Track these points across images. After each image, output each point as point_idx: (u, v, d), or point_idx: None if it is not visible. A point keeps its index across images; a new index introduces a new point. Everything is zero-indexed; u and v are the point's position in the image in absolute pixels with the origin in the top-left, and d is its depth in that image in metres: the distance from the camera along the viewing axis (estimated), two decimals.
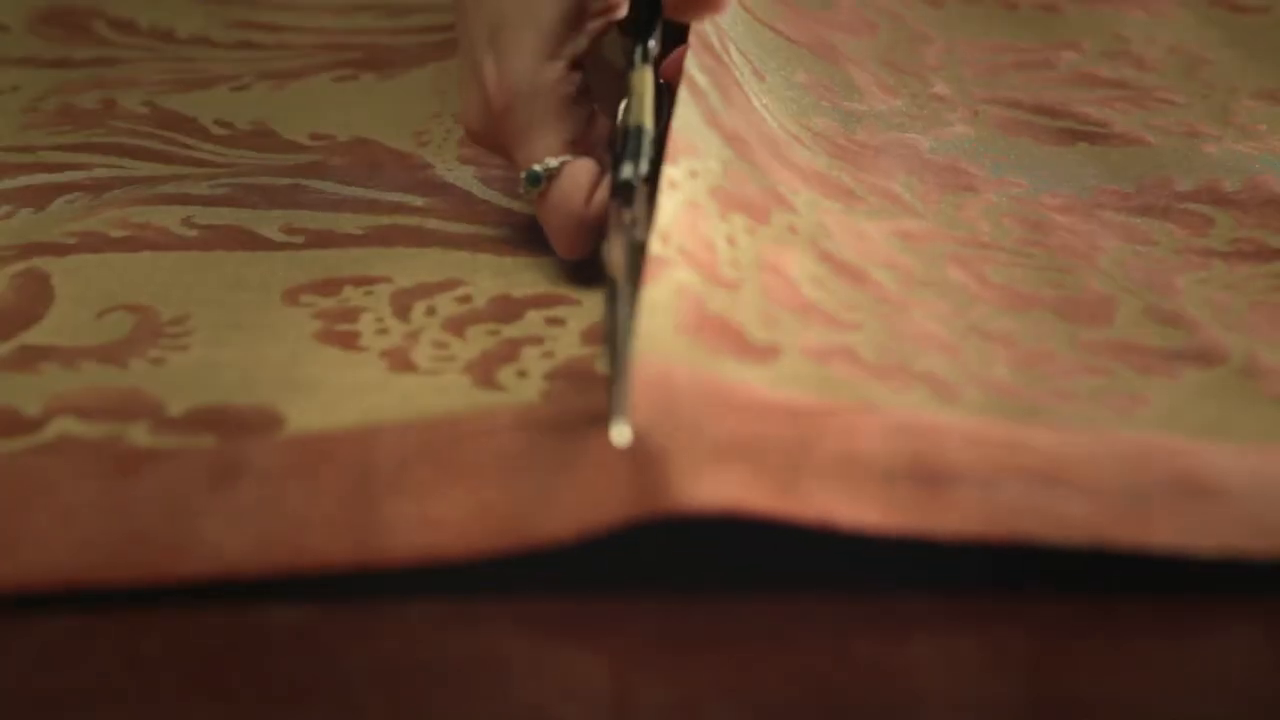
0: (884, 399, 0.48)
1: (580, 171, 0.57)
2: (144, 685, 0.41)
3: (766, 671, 0.41)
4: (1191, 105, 0.72)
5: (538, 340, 0.55)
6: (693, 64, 0.59)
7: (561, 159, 0.57)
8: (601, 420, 0.45)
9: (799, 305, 0.52)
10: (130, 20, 0.81)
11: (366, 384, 0.52)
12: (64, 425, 0.50)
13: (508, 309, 0.56)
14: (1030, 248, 0.60)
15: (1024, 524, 0.43)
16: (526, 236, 0.60)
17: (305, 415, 0.50)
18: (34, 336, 0.55)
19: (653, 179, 0.53)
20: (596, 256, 0.51)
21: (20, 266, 0.59)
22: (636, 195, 0.51)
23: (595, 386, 0.51)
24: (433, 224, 0.62)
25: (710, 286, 0.51)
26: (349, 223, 0.62)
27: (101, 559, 0.43)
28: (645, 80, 0.56)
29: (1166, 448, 0.47)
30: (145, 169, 0.66)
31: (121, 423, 0.50)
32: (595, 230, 0.56)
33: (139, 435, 0.50)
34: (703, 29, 0.61)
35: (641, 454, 0.44)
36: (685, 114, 0.57)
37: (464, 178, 0.65)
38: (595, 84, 0.58)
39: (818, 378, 0.49)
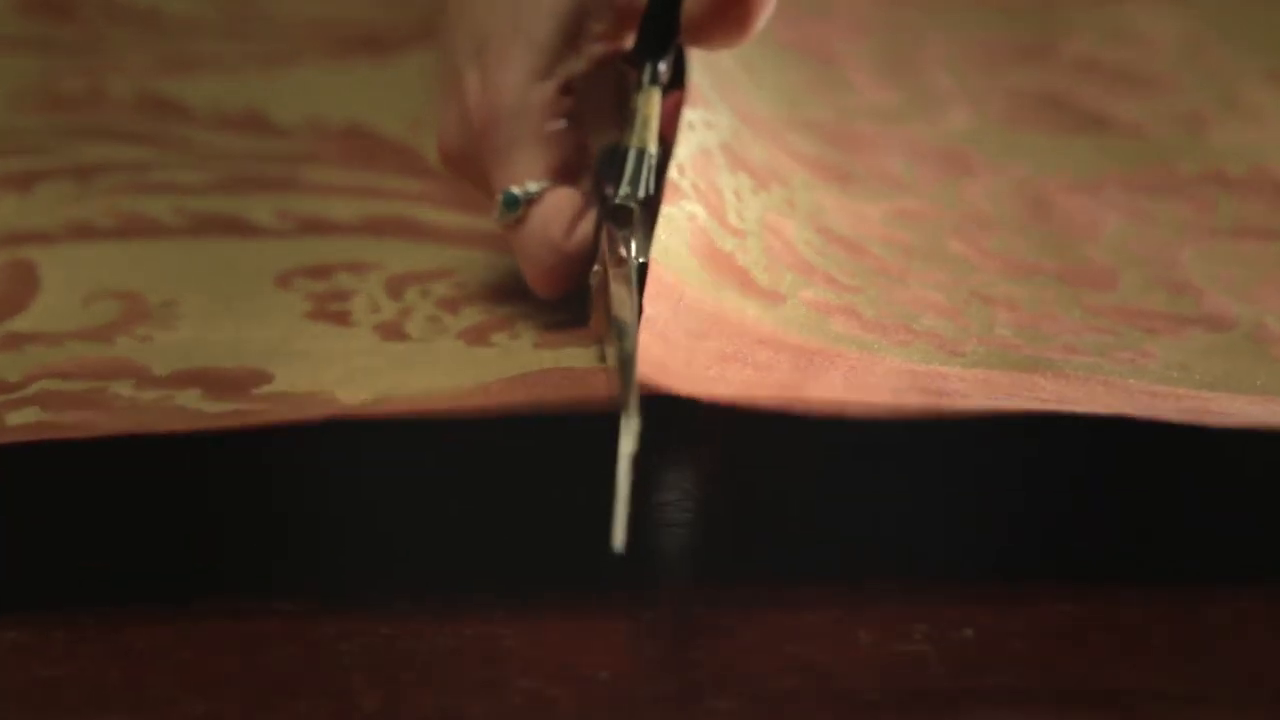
0: (886, 351, 0.48)
1: (563, 200, 0.52)
2: (133, 678, 0.40)
3: (767, 661, 0.41)
4: (1195, 91, 0.72)
5: (531, 315, 0.54)
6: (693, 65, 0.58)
7: (543, 184, 0.52)
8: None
9: (800, 265, 0.52)
10: (117, 2, 0.81)
11: (356, 350, 0.52)
12: (44, 384, 0.50)
13: (502, 293, 0.56)
14: (1031, 224, 0.59)
15: (1033, 404, 0.43)
16: None
17: (293, 375, 0.50)
18: (20, 324, 0.54)
19: (651, 207, 0.50)
20: (574, 295, 0.50)
21: (6, 255, 0.58)
22: (634, 220, 0.49)
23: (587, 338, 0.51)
24: (427, 213, 0.61)
25: (719, 228, 0.51)
26: (342, 210, 0.61)
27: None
28: (653, 102, 0.52)
29: (1174, 393, 0.46)
30: (134, 155, 0.66)
31: (104, 381, 0.50)
32: (574, 267, 0.51)
33: (122, 389, 0.49)
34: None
35: (650, 344, 0.43)
36: (699, 79, 0.56)
37: None
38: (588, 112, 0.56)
39: (820, 327, 0.49)
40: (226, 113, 0.70)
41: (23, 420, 0.47)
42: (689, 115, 0.54)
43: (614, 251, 0.48)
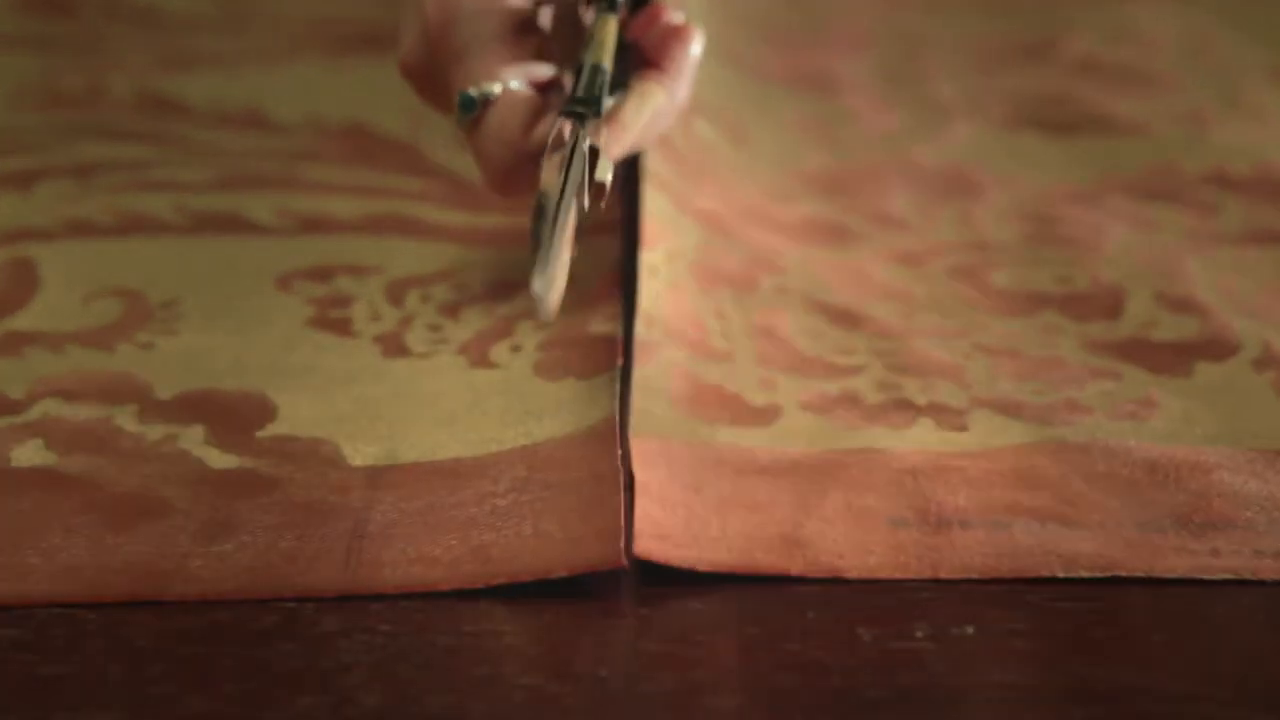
0: (888, 442, 0.48)
1: (520, 101, 0.51)
2: (133, 674, 0.40)
3: (769, 658, 0.41)
4: (1197, 90, 0.72)
5: (531, 315, 0.54)
6: (655, 162, 0.60)
7: (500, 84, 0.51)
8: (602, 479, 0.45)
9: (795, 362, 0.52)
10: (117, 0, 0.81)
11: (358, 370, 0.52)
12: (48, 407, 0.50)
13: (502, 291, 0.56)
14: (1035, 244, 0.60)
15: (1034, 563, 0.44)
16: (524, 226, 0.60)
17: (296, 406, 0.50)
18: (20, 322, 0.54)
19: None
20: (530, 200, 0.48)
21: (7, 252, 0.58)
22: (587, 123, 0.49)
23: (590, 351, 0.51)
24: (427, 211, 0.61)
25: (702, 360, 0.52)
26: (341, 208, 0.61)
27: (83, 587, 0.43)
28: (609, 28, 0.53)
29: (1178, 467, 0.47)
30: (133, 153, 0.66)
31: (108, 406, 0.50)
32: (531, 167, 0.50)
33: (126, 420, 0.49)
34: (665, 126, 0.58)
35: (638, 508, 0.44)
36: (654, 202, 0.57)
37: (459, 163, 0.65)
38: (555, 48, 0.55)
39: (818, 430, 0.49)
40: (226, 110, 0.69)
41: (29, 459, 0.47)
42: (647, 258, 0.55)
43: (556, 139, 0.48)
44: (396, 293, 0.56)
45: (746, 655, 0.41)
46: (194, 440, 0.48)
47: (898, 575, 0.43)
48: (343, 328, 0.54)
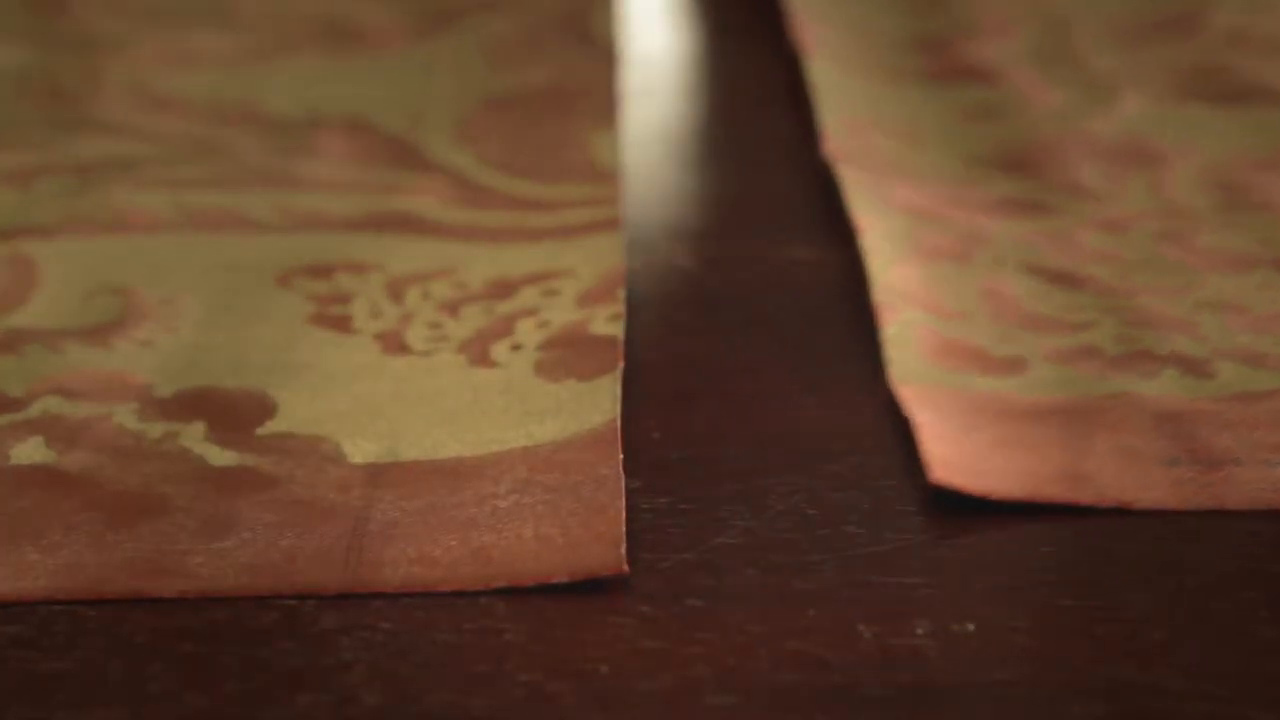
0: (1140, 388, 0.50)
1: None
2: (133, 672, 0.40)
3: (767, 655, 0.41)
4: None
5: (532, 311, 0.54)
6: (848, 171, 0.62)
7: None
8: (604, 483, 0.45)
9: (1028, 320, 0.54)
10: None
11: (358, 368, 0.52)
12: (47, 404, 0.50)
13: (502, 289, 0.56)
14: (1231, 211, 0.60)
15: None
16: (524, 224, 0.60)
17: (296, 403, 0.50)
18: (19, 319, 0.54)
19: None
20: None
21: (5, 249, 0.58)
22: None
23: (591, 352, 0.51)
24: (426, 208, 0.61)
25: (940, 319, 0.53)
26: (341, 205, 0.61)
27: (83, 584, 0.43)
28: None
29: None
30: (132, 149, 0.65)
31: (108, 404, 0.50)
32: None
33: (126, 418, 0.49)
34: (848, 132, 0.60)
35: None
36: (858, 199, 0.59)
37: (459, 160, 0.65)
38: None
39: (1067, 379, 0.50)
40: (225, 107, 0.69)
41: (29, 457, 0.47)
42: (866, 241, 0.57)
43: None
44: (397, 290, 0.56)
45: (747, 652, 0.41)
46: (194, 438, 0.48)
47: (1183, 507, 0.45)
48: (343, 325, 0.54)
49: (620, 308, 0.54)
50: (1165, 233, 0.59)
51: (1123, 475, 0.46)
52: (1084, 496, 0.45)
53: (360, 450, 0.48)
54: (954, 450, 0.46)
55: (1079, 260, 0.57)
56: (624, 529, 0.44)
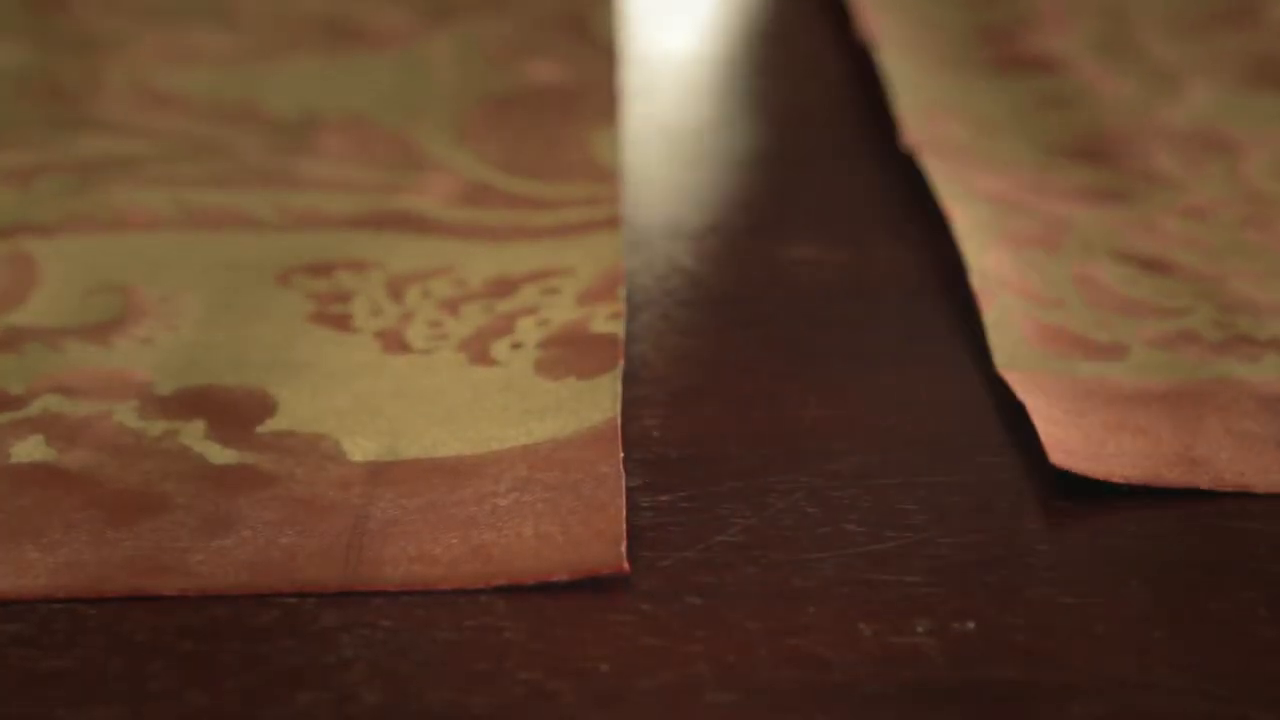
0: (1244, 372, 0.50)
1: None
2: (133, 670, 0.40)
3: (767, 654, 0.41)
4: None
5: (532, 310, 0.54)
6: (930, 160, 0.62)
7: None
8: (604, 481, 0.45)
9: (1124, 306, 0.54)
10: None
11: (358, 366, 0.52)
12: (47, 402, 0.50)
13: (502, 287, 0.56)
14: None
15: None
16: (524, 223, 0.60)
17: (296, 401, 0.50)
18: (19, 317, 0.54)
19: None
20: None
21: (5, 247, 0.58)
22: None
23: (591, 350, 0.51)
24: (426, 206, 0.61)
25: (1037, 306, 0.53)
26: (340, 203, 0.61)
27: (83, 582, 0.43)
28: None
29: None
30: (132, 148, 0.65)
31: (108, 402, 0.50)
32: None
33: (126, 416, 0.49)
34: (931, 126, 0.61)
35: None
36: (945, 188, 0.60)
37: (459, 159, 0.65)
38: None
39: (1171, 363, 0.51)
40: (225, 105, 0.69)
41: (29, 455, 0.47)
42: (958, 224, 0.57)
43: None
44: (397, 288, 0.56)
45: (747, 650, 0.41)
46: (194, 436, 0.48)
47: None
48: (343, 323, 0.54)
49: (620, 306, 0.54)
50: (1247, 218, 0.60)
51: (1240, 459, 0.46)
52: (1202, 480, 0.46)
53: (360, 448, 0.48)
54: (1070, 435, 0.47)
55: (1166, 246, 0.58)
56: (624, 527, 0.44)
